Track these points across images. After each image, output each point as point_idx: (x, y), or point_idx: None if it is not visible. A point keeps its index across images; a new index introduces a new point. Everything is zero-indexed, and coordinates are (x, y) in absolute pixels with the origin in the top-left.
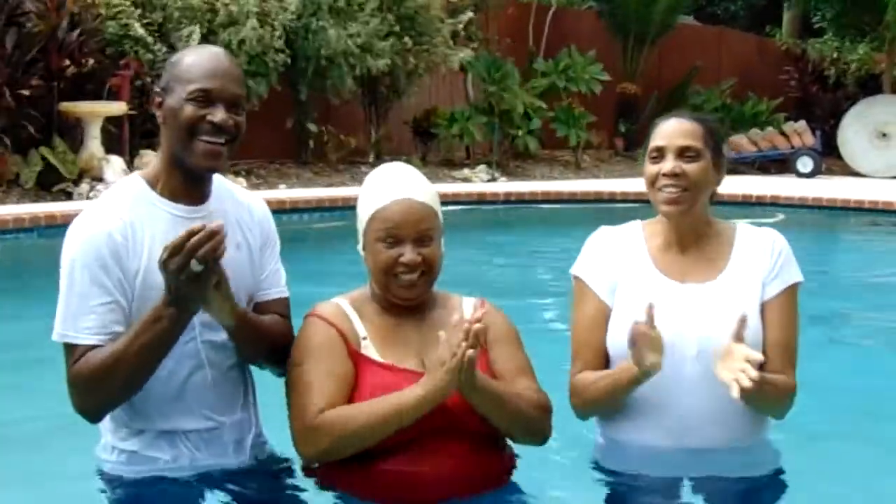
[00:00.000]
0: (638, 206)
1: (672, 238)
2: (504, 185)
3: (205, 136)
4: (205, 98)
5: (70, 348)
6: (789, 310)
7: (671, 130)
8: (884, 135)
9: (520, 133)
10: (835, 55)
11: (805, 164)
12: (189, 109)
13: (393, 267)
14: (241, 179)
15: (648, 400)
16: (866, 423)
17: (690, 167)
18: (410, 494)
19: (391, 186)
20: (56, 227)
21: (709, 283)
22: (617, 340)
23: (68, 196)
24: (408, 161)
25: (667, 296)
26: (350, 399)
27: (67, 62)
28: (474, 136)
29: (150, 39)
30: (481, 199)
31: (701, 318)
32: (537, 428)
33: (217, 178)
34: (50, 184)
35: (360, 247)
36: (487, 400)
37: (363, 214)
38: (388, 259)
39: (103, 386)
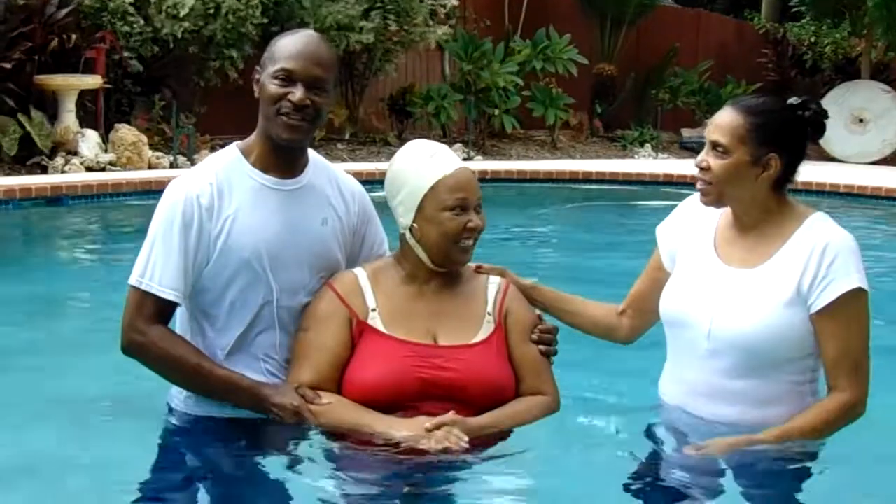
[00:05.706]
0: (612, 187)
1: (732, 218)
2: (479, 164)
3: (285, 112)
4: (287, 77)
5: (139, 294)
6: (843, 319)
7: (711, 121)
8: (860, 120)
9: (497, 112)
10: (812, 39)
11: None
12: (273, 86)
13: (461, 234)
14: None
15: (673, 357)
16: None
17: (715, 163)
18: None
19: (446, 158)
20: (31, 200)
21: (748, 269)
22: (665, 307)
23: (43, 170)
24: (384, 139)
25: (708, 273)
26: (347, 364)
27: (53, 37)
28: (450, 114)
29: (131, 10)
30: None
31: (721, 300)
32: (541, 419)
33: (317, 158)
34: (24, 157)
35: (405, 220)
36: (489, 432)
37: (419, 186)
38: (457, 226)
39: (159, 367)
